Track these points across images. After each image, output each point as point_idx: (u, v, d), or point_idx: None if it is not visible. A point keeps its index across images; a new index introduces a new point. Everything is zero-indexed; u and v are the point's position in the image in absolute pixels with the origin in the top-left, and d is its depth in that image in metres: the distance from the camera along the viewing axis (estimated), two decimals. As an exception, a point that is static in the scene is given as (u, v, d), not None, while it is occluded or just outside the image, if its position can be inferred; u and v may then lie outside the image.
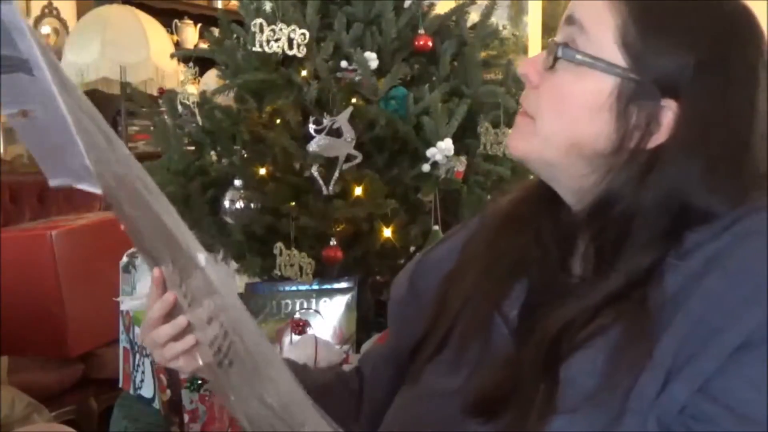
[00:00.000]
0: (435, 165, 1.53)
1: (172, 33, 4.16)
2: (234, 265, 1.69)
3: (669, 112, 0.70)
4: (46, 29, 4.48)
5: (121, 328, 1.65)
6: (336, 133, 1.51)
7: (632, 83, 0.70)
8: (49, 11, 4.46)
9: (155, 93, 2.22)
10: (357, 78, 1.58)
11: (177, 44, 4.20)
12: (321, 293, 1.60)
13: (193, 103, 1.60)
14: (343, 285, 1.60)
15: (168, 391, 1.43)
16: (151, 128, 1.75)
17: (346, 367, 1.23)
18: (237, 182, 1.55)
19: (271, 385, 0.64)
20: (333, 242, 1.53)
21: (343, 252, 1.54)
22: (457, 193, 1.60)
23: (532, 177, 0.85)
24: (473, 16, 1.75)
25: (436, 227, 1.54)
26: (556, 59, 0.72)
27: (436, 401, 0.76)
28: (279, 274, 1.53)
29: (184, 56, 2.21)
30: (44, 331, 2.48)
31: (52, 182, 0.81)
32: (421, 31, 1.62)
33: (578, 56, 0.71)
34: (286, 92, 1.60)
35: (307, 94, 1.57)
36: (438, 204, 1.56)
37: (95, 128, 0.69)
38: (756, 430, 0.60)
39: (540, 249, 0.79)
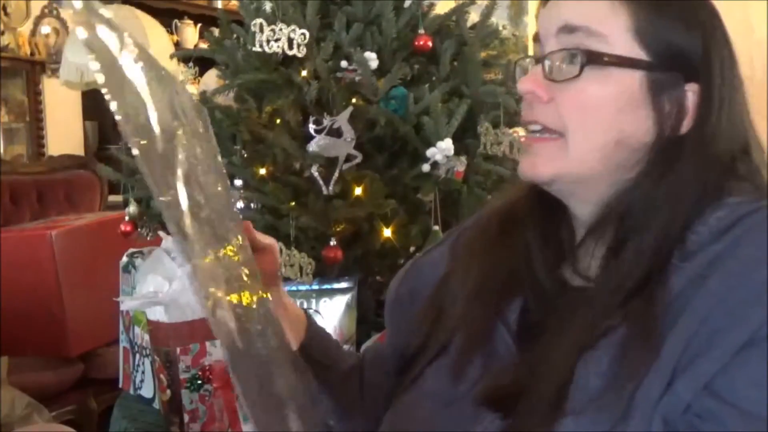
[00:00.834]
0: (435, 165, 1.53)
1: (172, 33, 4.16)
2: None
3: (691, 94, 0.72)
4: (46, 29, 4.49)
5: (121, 328, 1.65)
6: (336, 133, 1.51)
7: (657, 74, 0.71)
8: (49, 11, 4.47)
9: (155, 93, 2.21)
10: (357, 78, 1.58)
11: (177, 44, 4.21)
12: (321, 293, 1.60)
13: (193, 103, 1.60)
14: (343, 285, 1.60)
15: (168, 391, 1.42)
16: (152, 128, 1.75)
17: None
18: (237, 182, 1.55)
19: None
20: (333, 242, 1.53)
21: (343, 252, 1.54)
22: (457, 193, 1.60)
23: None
24: (473, 16, 1.75)
25: (436, 227, 1.54)
26: (582, 67, 0.71)
27: (441, 406, 0.75)
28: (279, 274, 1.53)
29: (184, 56, 2.21)
30: (44, 331, 2.47)
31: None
32: (421, 31, 1.62)
33: (606, 59, 0.71)
34: (286, 92, 1.60)
35: (307, 94, 1.57)
36: (438, 204, 1.56)
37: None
38: (761, 427, 0.60)
39: (535, 257, 0.78)
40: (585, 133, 0.72)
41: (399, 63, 1.60)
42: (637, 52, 0.71)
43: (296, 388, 0.69)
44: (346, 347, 1.54)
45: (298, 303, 1.62)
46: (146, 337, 1.49)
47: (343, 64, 1.60)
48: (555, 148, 0.73)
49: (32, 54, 4.42)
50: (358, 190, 1.53)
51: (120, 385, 1.67)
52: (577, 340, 0.67)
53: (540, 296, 0.77)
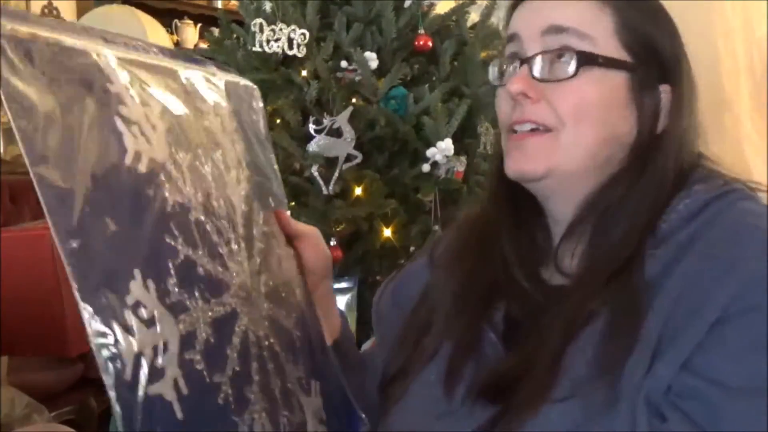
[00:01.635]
0: (435, 165, 1.53)
1: (172, 33, 4.16)
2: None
3: (664, 95, 0.75)
4: (46, 29, 4.49)
5: (121, 328, 1.65)
6: (336, 133, 1.51)
7: (639, 75, 0.74)
8: (49, 11, 4.47)
9: (155, 93, 2.22)
10: (357, 78, 1.58)
11: (177, 44, 4.20)
12: (321, 293, 1.60)
13: (193, 103, 1.60)
14: (343, 285, 1.60)
15: (168, 391, 1.43)
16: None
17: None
18: (237, 182, 1.55)
19: None
20: (333, 242, 1.53)
21: (343, 252, 1.54)
22: (457, 193, 1.60)
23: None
24: (473, 16, 1.75)
25: (436, 227, 1.54)
26: (578, 68, 0.72)
27: (433, 419, 0.75)
28: (279, 274, 1.53)
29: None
30: (44, 331, 2.47)
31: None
32: (421, 31, 1.62)
33: (600, 61, 0.73)
34: (286, 92, 1.60)
35: (307, 94, 1.57)
36: (438, 204, 1.56)
37: None
38: (741, 399, 0.62)
39: (512, 263, 0.79)
40: (579, 129, 0.74)
41: (399, 63, 1.60)
42: (621, 53, 0.74)
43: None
44: (346, 347, 1.54)
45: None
46: (146, 337, 1.49)
47: (343, 64, 1.60)
48: (548, 143, 0.74)
49: (32, 54, 4.42)
50: (358, 190, 1.53)
51: (120, 385, 1.67)
52: (562, 332, 0.69)
53: (522, 299, 0.77)
